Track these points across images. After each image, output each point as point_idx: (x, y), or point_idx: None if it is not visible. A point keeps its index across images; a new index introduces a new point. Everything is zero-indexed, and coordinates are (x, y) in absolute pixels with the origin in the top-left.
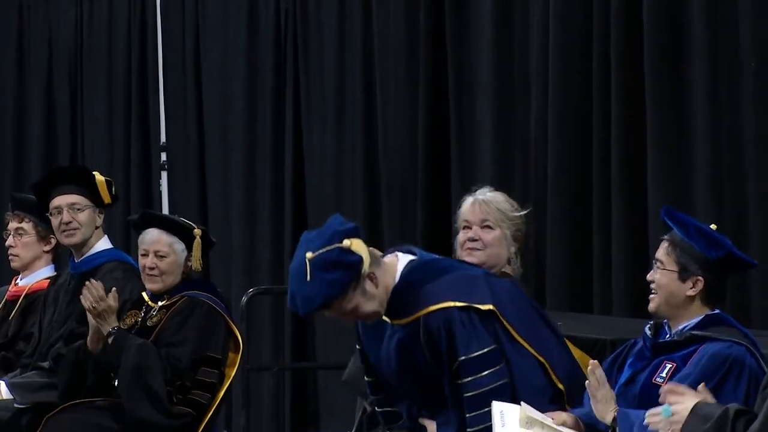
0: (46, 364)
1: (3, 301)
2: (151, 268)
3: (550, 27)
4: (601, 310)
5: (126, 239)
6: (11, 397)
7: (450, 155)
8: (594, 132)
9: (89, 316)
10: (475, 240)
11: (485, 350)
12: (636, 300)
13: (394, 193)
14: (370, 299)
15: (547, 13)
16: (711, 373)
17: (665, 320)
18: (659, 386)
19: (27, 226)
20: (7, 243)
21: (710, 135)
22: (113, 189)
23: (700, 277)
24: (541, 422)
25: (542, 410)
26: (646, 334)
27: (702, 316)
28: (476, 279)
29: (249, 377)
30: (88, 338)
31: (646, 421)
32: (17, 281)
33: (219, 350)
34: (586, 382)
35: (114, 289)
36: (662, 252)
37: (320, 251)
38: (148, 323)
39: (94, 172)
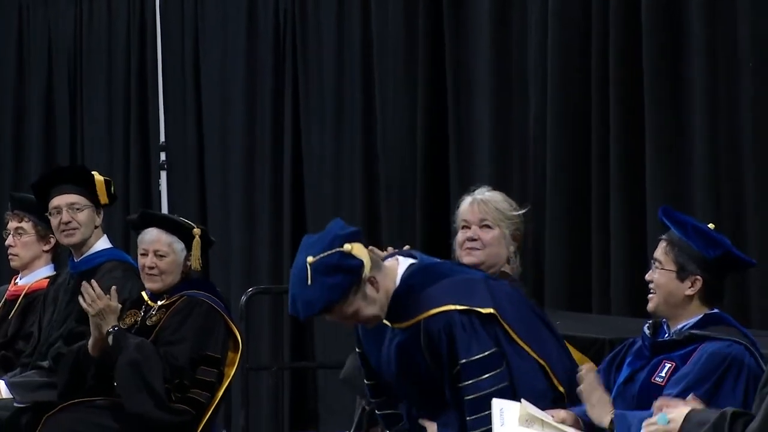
0: (45, 364)
1: (2, 300)
2: (151, 268)
3: (549, 25)
4: (600, 309)
5: (125, 239)
6: (11, 396)
7: (448, 154)
8: (593, 130)
9: (90, 319)
10: (474, 239)
11: (486, 353)
12: (635, 299)
13: (392, 193)
14: (371, 303)
15: (545, 12)
16: (710, 372)
17: (664, 320)
18: (659, 386)
19: (26, 225)
20: (7, 242)
21: (709, 133)
22: (112, 189)
23: (698, 277)
24: (541, 420)
25: None
26: (644, 333)
27: (701, 316)
28: (476, 282)
29: (248, 376)
30: (89, 343)
31: (643, 431)
32: (17, 280)
33: (218, 349)
34: (578, 388)
35: (114, 287)
36: (660, 252)
37: (321, 255)
38: (148, 323)
39: (93, 172)
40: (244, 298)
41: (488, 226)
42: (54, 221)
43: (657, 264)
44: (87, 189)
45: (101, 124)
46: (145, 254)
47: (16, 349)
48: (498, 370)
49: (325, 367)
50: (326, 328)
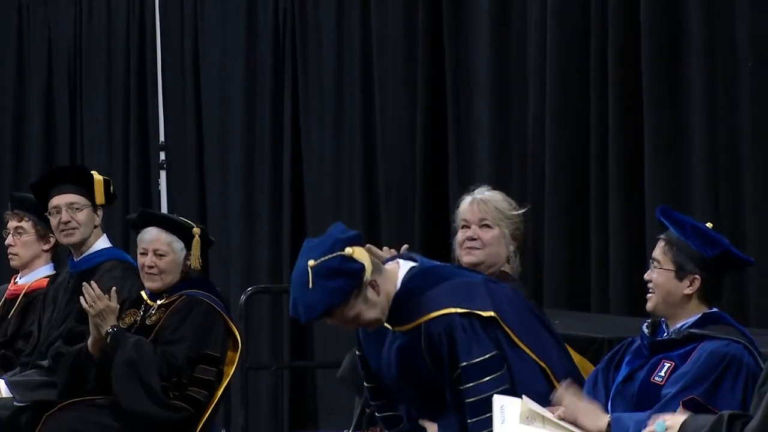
0: (45, 363)
1: (2, 299)
2: (150, 267)
3: (548, 25)
4: (599, 309)
5: (125, 238)
6: (11, 395)
7: (448, 153)
8: (591, 130)
9: (90, 319)
10: (474, 239)
11: (487, 356)
12: (633, 298)
13: (392, 192)
14: (372, 307)
15: (544, 11)
16: (709, 371)
17: (663, 319)
18: (658, 385)
19: (26, 225)
20: (7, 242)
21: (707, 133)
22: (111, 188)
23: (696, 276)
24: (542, 416)
25: None
26: (643, 332)
27: (699, 315)
28: (477, 286)
29: (247, 376)
30: (90, 343)
31: None
32: (16, 280)
33: (217, 348)
34: (560, 410)
35: (114, 288)
36: (659, 251)
37: (322, 259)
38: (147, 322)
39: (92, 172)
40: (243, 297)
41: (488, 226)
42: (53, 221)
43: (655, 263)
44: (86, 189)
45: (101, 124)
46: (144, 253)
47: (15, 349)
48: (499, 373)
49: (324, 367)
50: (326, 328)
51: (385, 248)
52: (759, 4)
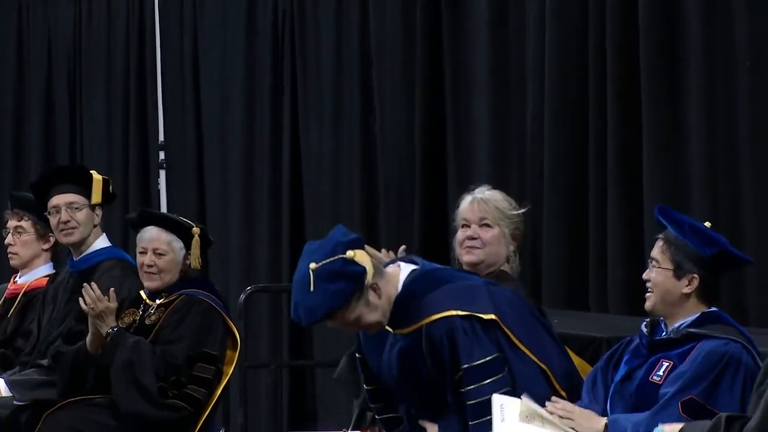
0: (45, 362)
1: (2, 298)
2: (150, 266)
3: (546, 23)
4: (598, 307)
5: (124, 238)
6: (10, 394)
7: (447, 153)
8: (590, 128)
9: (89, 319)
10: (474, 238)
11: (488, 358)
12: (632, 297)
13: (391, 192)
14: (373, 310)
15: (543, 10)
16: (707, 370)
17: (661, 318)
18: (656, 384)
19: (26, 224)
20: (6, 241)
21: (705, 132)
22: (111, 188)
23: (695, 275)
24: (541, 416)
25: None
26: (642, 331)
27: (698, 314)
28: (477, 288)
29: (247, 375)
30: (88, 341)
31: None
32: (16, 279)
33: (216, 347)
34: (558, 409)
35: (112, 289)
36: (657, 250)
37: (323, 262)
38: (147, 321)
39: (91, 171)
40: (242, 296)
41: (488, 225)
42: (53, 220)
43: (654, 263)
44: (86, 188)
45: (100, 124)
46: (143, 253)
47: (15, 348)
48: (500, 375)
49: (323, 366)
50: (325, 328)
51: (383, 250)
52: (757, 4)
